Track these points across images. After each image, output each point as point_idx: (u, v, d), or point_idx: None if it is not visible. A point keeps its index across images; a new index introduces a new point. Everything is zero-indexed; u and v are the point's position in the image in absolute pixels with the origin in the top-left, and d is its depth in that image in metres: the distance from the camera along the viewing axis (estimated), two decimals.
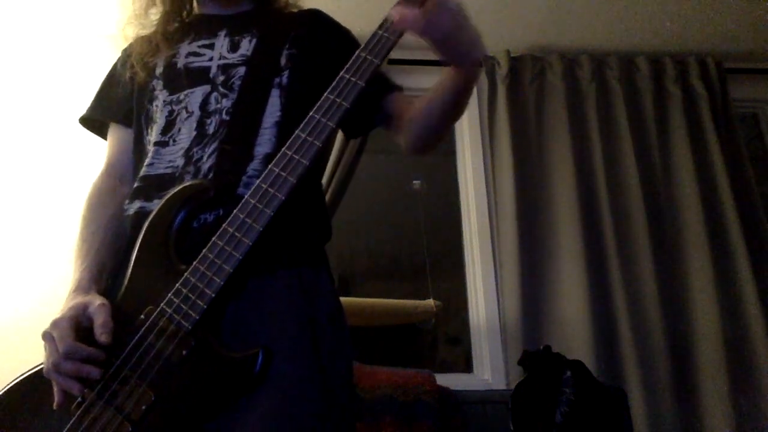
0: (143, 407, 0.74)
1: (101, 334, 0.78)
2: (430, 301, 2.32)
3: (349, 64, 0.87)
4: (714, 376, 2.12)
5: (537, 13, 2.50)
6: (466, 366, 2.37)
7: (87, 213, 1.01)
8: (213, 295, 0.77)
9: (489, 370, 2.20)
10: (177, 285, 0.79)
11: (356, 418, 0.95)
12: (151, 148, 0.98)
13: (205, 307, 0.77)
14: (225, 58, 1.02)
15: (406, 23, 0.81)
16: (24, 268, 2.13)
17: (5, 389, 0.83)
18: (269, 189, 0.81)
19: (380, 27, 0.86)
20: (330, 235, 1.02)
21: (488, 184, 2.47)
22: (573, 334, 2.14)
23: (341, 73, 0.86)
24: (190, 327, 0.77)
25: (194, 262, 0.79)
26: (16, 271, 2.12)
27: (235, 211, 0.81)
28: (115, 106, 1.12)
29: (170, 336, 0.77)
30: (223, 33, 1.06)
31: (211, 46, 1.04)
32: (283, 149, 0.84)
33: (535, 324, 2.19)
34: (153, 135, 0.99)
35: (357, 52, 0.87)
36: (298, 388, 0.78)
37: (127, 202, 0.96)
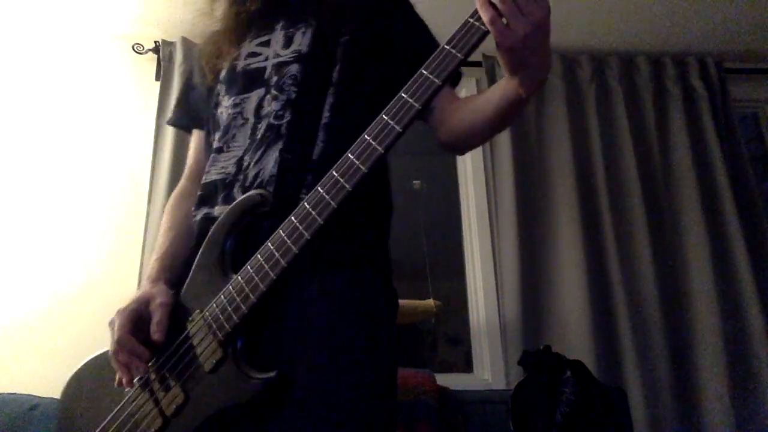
0: (174, 406, 0.79)
1: (155, 332, 0.84)
2: (430, 301, 2.32)
3: (431, 58, 0.77)
4: (714, 376, 2.12)
5: None
6: (466, 366, 2.37)
7: (165, 214, 1.07)
8: (246, 311, 0.78)
9: (489, 370, 2.20)
10: (220, 294, 0.82)
11: (394, 426, 0.90)
12: (212, 153, 0.98)
13: (238, 321, 0.78)
14: (279, 55, 0.99)
15: (487, 16, 0.72)
16: (33, 269, 2.13)
17: (81, 366, 0.93)
18: (325, 196, 0.78)
19: (472, 15, 0.76)
20: (378, 238, 0.97)
21: (488, 184, 2.47)
22: (573, 334, 2.14)
23: (420, 69, 0.78)
24: (222, 338, 0.79)
25: (237, 274, 0.81)
26: (25, 272, 2.12)
27: (286, 220, 0.80)
28: (193, 112, 1.15)
29: (206, 343, 0.80)
30: (279, 26, 1.02)
31: (267, 44, 1.01)
32: (347, 153, 0.79)
33: (535, 324, 2.19)
34: (216, 141, 0.99)
35: (442, 45, 0.77)
36: (325, 403, 0.77)
37: (193, 208, 0.97)
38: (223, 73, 1.04)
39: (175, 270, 0.96)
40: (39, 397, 1.77)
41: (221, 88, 1.03)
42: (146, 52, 2.43)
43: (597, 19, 2.54)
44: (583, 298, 2.18)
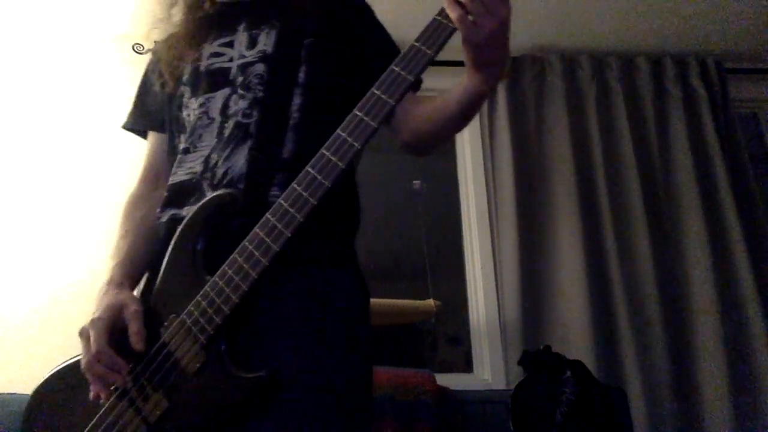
0: (158, 413, 0.78)
1: (137, 343, 0.81)
2: (430, 301, 2.32)
3: (401, 56, 0.80)
4: (714, 376, 2.12)
5: (537, 13, 2.50)
6: (466, 366, 2.37)
7: (121, 219, 1.04)
8: (228, 312, 0.77)
9: (489, 370, 2.20)
10: (198, 297, 0.80)
11: (371, 422, 0.91)
12: (178, 154, 0.97)
13: (220, 323, 0.77)
14: (244, 56, 0.98)
15: (455, 14, 0.75)
16: (32, 269, 2.13)
17: (46, 378, 0.89)
18: (302, 192, 0.78)
19: (439, 13, 0.79)
20: (354, 234, 0.98)
21: (488, 184, 2.47)
22: (573, 334, 2.14)
23: (391, 66, 0.80)
24: (204, 341, 0.78)
25: (214, 276, 0.80)
26: (24, 271, 2.12)
27: (262, 219, 0.79)
28: (151, 115, 1.13)
29: (187, 348, 0.79)
30: (242, 27, 1.02)
31: (230, 44, 1.01)
32: (322, 150, 0.79)
33: (535, 324, 2.19)
34: (182, 142, 0.99)
35: (412, 42, 0.80)
36: (305, 401, 0.77)
37: (159, 210, 0.96)
38: (185, 76, 1.03)
39: (135, 276, 0.95)
40: None
41: (185, 89, 1.02)
42: (146, 52, 2.41)
43: (597, 19, 2.54)
44: (583, 298, 2.18)
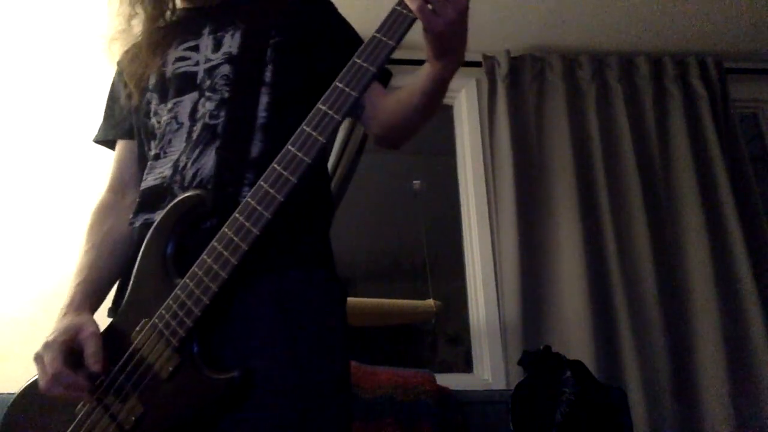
0: (133, 418, 0.77)
1: (93, 364, 0.81)
2: (430, 301, 2.32)
3: (362, 47, 0.80)
4: (714, 376, 2.12)
5: (537, 13, 2.50)
6: (466, 366, 2.37)
7: (87, 230, 1.04)
8: (199, 314, 0.77)
9: (489, 370, 2.20)
10: (168, 300, 0.79)
11: (349, 420, 0.91)
12: (149, 162, 0.97)
13: (192, 325, 0.77)
14: (210, 60, 0.98)
15: (415, 4, 0.76)
16: (32, 268, 2.13)
17: (24, 387, 0.90)
18: (269, 189, 0.77)
19: (398, 3, 0.79)
20: (326, 234, 0.98)
21: (488, 184, 2.47)
22: (573, 334, 2.14)
23: (353, 58, 0.80)
24: (177, 344, 0.77)
25: (185, 278, 0.79)
26: (24, 271, 2.12)
27: (230, 218, 0.79)
28: (119, 124, 1.13)
29: (159, 351, 0.78)
30: (207, 31, 1.02)
31: (196, 48, 1.01)
32: (287, 145, 0.79)
33: (535, 324, 2.19)
34: (152, 149, 0.99)
35: (373, 33, 0.80)
36: (279, 401, 0.77)
37: (131, 216, 0.95)
38: (152, 82, 1.02)
39: (98, 294, 0.96)
40: None
41: (152, 96, 1.02)
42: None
43: (597, 19, 2.54)
44: (583, 298, 2.18)
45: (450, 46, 0.81)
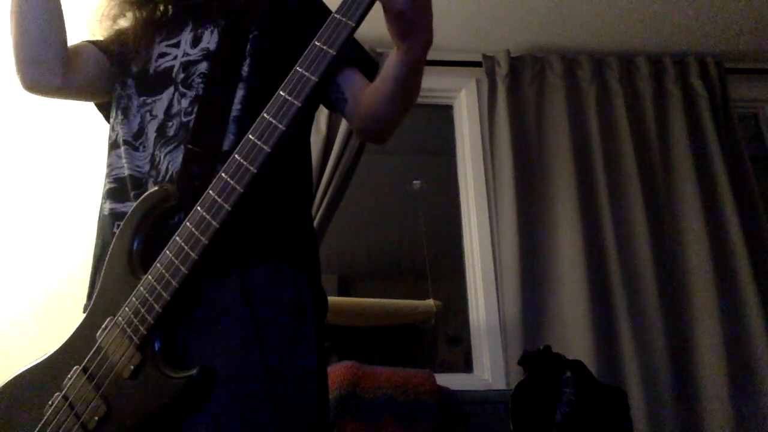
0: (96, 418, 0.75)
1: None
2: (430, 301, 2.32)
3: (322, 29, 0.76)
4: (714, 376, 2.12)
5: (537, 13, 2.50)
6: (466, 366, 2.37)
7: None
8: (160, 311, 0.75)
9: (489, 370, 2.20)
10: (131, 296, 0.78)
11: (324, 417, 0.89)
12: (121, 145, 0.96)
13: (153, 322, 0.75)
14: (187, 54, 0.98)
15: None
16: (31, 268, 2.13)
17: (0, 387, 0.87)
18: (229, 180, 0.74)
19: None
20: (300, 230, 0.95)
21: (488, 184, 2.47)
22: (573, 334, 2.15)
23: (314, 41, 0.76)
24: (138, 341, 0.75)
25: (147, 274, 0.78)
26: (23, 271, 2.12)
27: (191, 212, 0.77)
28: (104, 44, 1.11)
29: (122, 349, 0.76)
30: (188, 28, 1.03)
31: (177, 45, 1.01)
32: (247, 134, 0.77)
33: (535, 324, 2.19)
34: (123, 131, 0.98)
35: (332, 15, 0.77)
36: (243, 399, 0.76)
37: (102, 200, 0.96)
38: (134, 69, 1.02)
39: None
40: None
41: (131, 83, 1.01)
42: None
43: (597, 19, 2.54)
44: (583, 298, 2.18)
45: (414, 25, 0.77)
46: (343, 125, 2.37)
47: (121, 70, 1.04)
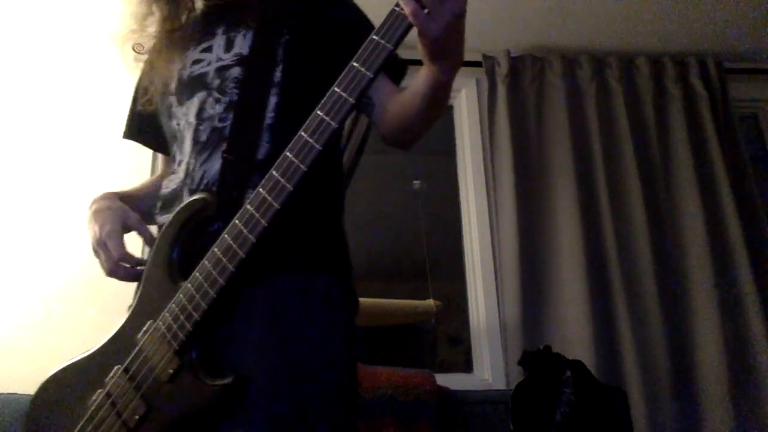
0: (137, 417, 0.79)
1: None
2: (430, 301, 2.32)
3: (361, 49, 0.77)
4: (714, 376, 2.12)
5: (537, 13, 2.50)
6: (466, 366, 2.37)
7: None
8: (199, 318, 0.77)
9: (489, 370, 2.20)
10: (171, 303, 0.81)
11: (353, 424, 0.90)
12: (171, 166, 1.00)
13: (192, 329, 0.78)
14: (221, 59, 0.98)
15: (410, 8, 0.72)
16: (31, 268, 2.13)
17: (47, 378, 0.92)
18: (267, 196, 0.77)
19: (397, 4, 0.75)
20: (333, 235, 0.97)
21: (488, 184, 2.47)
22: (573, 334, 2.14)
23: (352, 62, 0.77)
24: (177, 347, 0.78)
25: (186, 282, 0.80)
26: (23, 271, 2.12)
27: (230, 224, 0.79)
28: (134, 126, 1.20)
29: (161, 353, 0.79)
30: (220, 31, 1.02)
31: (210, 49, 1.01)
32: (285, 152, 0.78)
33: (535, 324, 2.19)
34: (172, 153, 1.01)
35: (370, 37, 0.77)
36: (275, 410, 0.77)
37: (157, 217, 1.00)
38: (172, 86, 1.03)
39: (130, 199, 1.06)
40: None
41: (172, 99, 1.02)
42: (145, 52, 2.42)
43: (597, 19, 2.54)
44: (583, 298, 2.18)
45: (446, 50, 0.78)
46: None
47: (164, 101, 1.06)
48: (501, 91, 2.52)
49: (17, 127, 2.30)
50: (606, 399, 1.83)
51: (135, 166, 2.31)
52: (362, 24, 1.04)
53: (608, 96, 2.57)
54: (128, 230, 0.97)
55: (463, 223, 2.50)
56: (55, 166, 2.27)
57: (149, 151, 2.27)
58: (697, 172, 2.43)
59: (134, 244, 1.00)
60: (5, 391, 1.80)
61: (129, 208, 0.99)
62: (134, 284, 0.95)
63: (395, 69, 1.04)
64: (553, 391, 1.79)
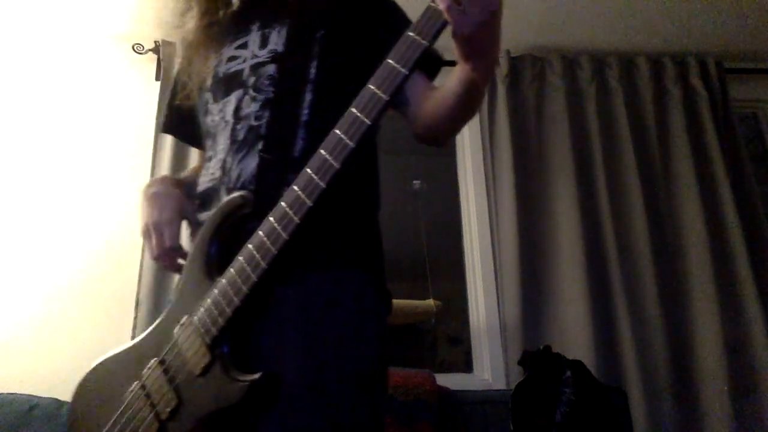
0: (168, 409, 0.80)
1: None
2: (430, 301, 2.32)
3: (396, 46, 0.76)
4: (714, 376, 2.12)
5: (537, 13, 2.50)
6: (466, 366, 2.37)
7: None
8: (231, 314, 0.79)
9: (489, 370, 2.20)
10: (207, 298, 0.82)
11: (381, 423, 0.88)
12: (204, 163, 1.00)
13: (223, 324, 0.79)
14: (256, 56, 0.98)
15: (444, 3, 0.70)
16: (32, 269, 2.13)
17: (83, 378, 0.95)
18: (300, 194, 0.77)
19: (433, 0, 0.74)
20: (367, 233, 0.96)
21: (488, 184, 2.47)
22: (573, 334, 2.14)
23: (386, 59, 0.76)
24: (209, 342, 0.79)
25: (221, 277, 0.82)
26: (24, 271, 2.12)
27: (264, 221, 0.80)
28: (169, 121, 1.20)
29: (195, 347, 0.81)
30: (255, 27, 1.02)
31: (245, 46, 1.01)
32: (319, 149, 0.78)
33: (535, 324, 2.19)
34: (206, 149, 1.01)
35: (405, 33, 0.75)
36: (306, 407, 0.77)
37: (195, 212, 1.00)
38: (208, 82, 1.04)
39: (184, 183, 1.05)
40: (38, 397, 1.77)
41: (208, 96, 1.03)
42: (146, 52, 2.43)
43: (597, 19, 2.54)
44: (583, 298, 2.18)
45: (480, 49, 0.76)
46: None
47: (201, 96, 1.06)
48: (501, 91, 2.52)
49: (19, 128, 2.30)
50: (606, 399, 1.83)
51: (135, 167, 2.31)
52: (399, 19, 1.02)
53: (608, 96, 2.57)
54: (183, 219, 0.98)
55: (463, 223, 2.49)
56: (55, 166, 2.27)
57: (149, 152, 2.30)
58: (697, 172, 2.43)
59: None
60: (5, 391, 1.80)
61: (184, 197, 0.99)
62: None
63: (430, 64, 1.03)
64: (553, 391, 1.79)
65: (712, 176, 2.44)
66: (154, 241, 0.96)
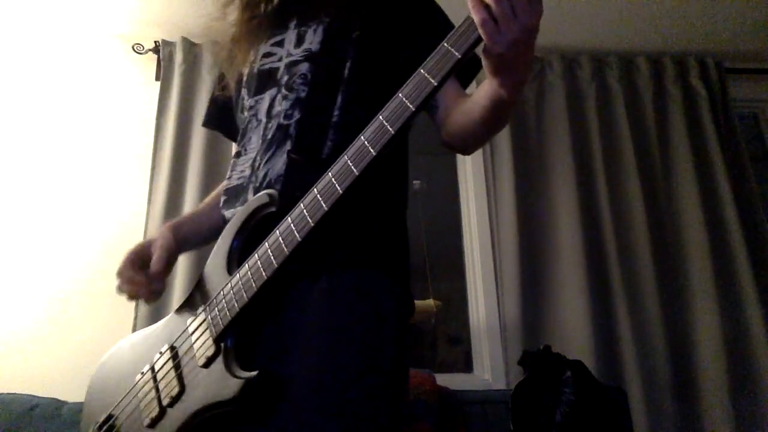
0: (170, 396, 0.81)
1: (153, 264, 0.95)
2: (430, 301, 2.32)
3: (430, 56, 0.73)
4: (714, 376, 2.12)
5: None
6: (466, 366, 2.37)
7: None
8: (239, 310, 0.79)
9: (489, 370, 2.20)
10: (220, 291, 0.84)
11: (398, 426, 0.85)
12: (233, 159, 1.00)
13: (231, 318, 0.80)
14: (291, 54, 0.98)
15: (479, 17, 0.66)
16: (32, 269, 2.13)
17: (102, 361, 0.99)
18: (318, 197, 0.77)
19: None
20: (391, 234, 0.94)
21: (488, 184, 2.47)
22: (573, 334, 2.14)
23: (419, 69, 0.73)
24: (215, 335, 0.81)
25: (236, 273, 0.83)
26: (24, 272, 2.12)
27: (283, 220, 0.80)
28: (212, 115, 1.21)
29: (203, 338, 0.83)
30: (292, 24, 1.02)
31: (281, 43, 1.01)
32: (343, 154, 0.77)
33: (535, 324, 2.19)
34: (236, 145, 1.01)
35: (441, 43, 0.72)
36: (308, 407, 0.75)
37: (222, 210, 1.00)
38: (245, 78, 1.04)
39: (189, 228, 1.06)
40: (39, 397, 1.77)
41: (244, 91, 1.04)
42: (146, 52, 2.43)
43: (597, 19, 2.54)
44: (583, 298, 2.18)
45: (510, 67, 0.72)
46: None
47: (237, 91, 1.07)
48: None
49: (19, 128, 2.30)
50: (606, 399, 1.83)
51: (135, 166, 2.31)
52: (438, 23, 0.99)
53: (608, 96, 2.58)
54: (171, 257, 0.99)
55: (463, 223, 2.50)
56: (56, 166, 2.28)
57: (149, 152, 2.30)
58: (697, 172, 2.43)
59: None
60: (5, 391, 1.80)
61: (160, 236, 1.00)
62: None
63: (465, 70, 0.99)
64: (553, 391, 1.79)
65: (712, 176, 2.44)
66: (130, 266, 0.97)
